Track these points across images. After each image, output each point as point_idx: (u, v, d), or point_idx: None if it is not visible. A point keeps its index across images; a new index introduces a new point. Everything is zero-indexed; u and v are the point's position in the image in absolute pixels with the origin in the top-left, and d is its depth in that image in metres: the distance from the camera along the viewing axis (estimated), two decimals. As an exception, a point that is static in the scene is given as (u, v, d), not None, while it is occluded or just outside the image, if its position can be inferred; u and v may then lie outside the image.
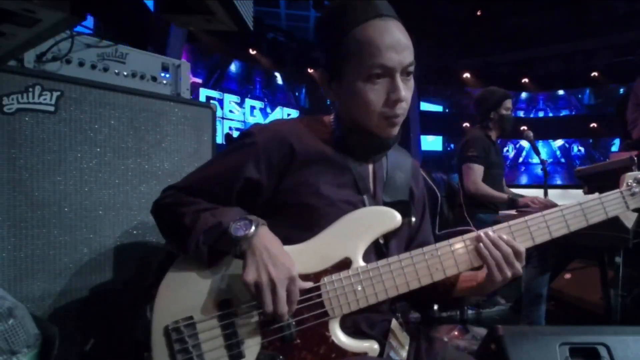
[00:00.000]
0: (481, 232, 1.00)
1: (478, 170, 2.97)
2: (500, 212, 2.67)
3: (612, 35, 8.79)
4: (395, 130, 1.06)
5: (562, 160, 14.34)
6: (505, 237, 0.99)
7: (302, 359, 0.96)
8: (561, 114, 14.24)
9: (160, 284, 1.00)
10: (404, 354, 1.06)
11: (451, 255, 1.00)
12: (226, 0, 1.02)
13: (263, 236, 0.94)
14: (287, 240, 0.99)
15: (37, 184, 1.37)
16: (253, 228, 0.93)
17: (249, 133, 1.08)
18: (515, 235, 1.02)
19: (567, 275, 3.11)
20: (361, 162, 1.10)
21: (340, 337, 0.98)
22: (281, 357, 0.96)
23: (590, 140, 13.44)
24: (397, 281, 0.99)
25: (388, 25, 0.99)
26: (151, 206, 1.10)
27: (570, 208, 1.02)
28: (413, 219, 1.13)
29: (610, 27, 8.44)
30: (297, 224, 1.02)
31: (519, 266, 0.98)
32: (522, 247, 0.99)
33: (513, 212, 2.45)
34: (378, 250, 1.07)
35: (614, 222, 1.87)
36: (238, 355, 0.96)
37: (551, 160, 14.06)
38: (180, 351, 0.95)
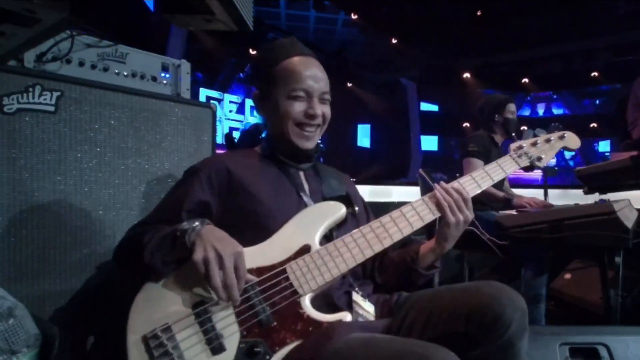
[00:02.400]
0: (435, 184, 1.21)
1: (477, 164, 2.97)
2: (500, 212, 2.67)
3: (612, 35, 8.78)
4: (310, 143, 1.27)
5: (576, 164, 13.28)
6: (455, 185, 1.20)
7: (282, 338, 1.01)
8: (561, 114, 14.22)
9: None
10: (372, 318, 1.16)
11: (393, 224, 1.15)
12: (226, 0, 1.02)
13: (210, 227, 1.04)
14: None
15: (37, 184, 1.37)
16: (198, 223, 1.03)
17: (192, 167, 1.26)
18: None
19: (567, 275, 3.11)
20: (293, 172, 1.29)
21: (313, 311, 1.05)
22: (262, 341, 1.00)
23: (611, 139, 12.75)
24: (352, 252, 1.11)
25: (308, 61, 1.27)
26: (112, 253, 1.19)
27: (477, 172, 1.27)
28: (357, 208, 1.29)
29: (610, 27, 8.43)
30: (251, 234, 1.12)
31: (467, 212, 1.18)
32: (469, 194, 1.20)
33: (513, 212, 2.45)
34: (330, 240, 1.17)
35: (614, 222, 1.88)
36: (219, 347, 0.99)
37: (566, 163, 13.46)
38: (161, 355, 0.98)
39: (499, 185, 3.06)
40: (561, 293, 3.00)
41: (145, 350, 0.98)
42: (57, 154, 1.42)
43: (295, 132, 1.25)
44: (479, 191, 1.24)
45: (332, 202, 1.20)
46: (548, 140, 1.40)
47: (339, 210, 1.18)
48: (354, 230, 1.14)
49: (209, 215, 1.16)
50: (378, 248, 1.13)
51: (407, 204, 1.19)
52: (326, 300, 1.13)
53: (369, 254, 1.12)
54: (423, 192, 3.10)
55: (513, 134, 3.13)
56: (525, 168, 1.37)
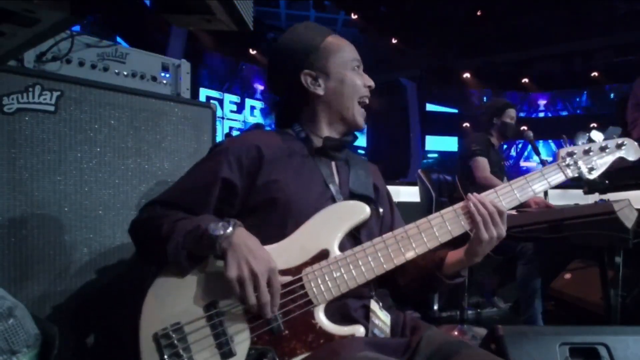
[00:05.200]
0: (469, 195, 1.09)
1: (484, 162, 3.07)
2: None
3: (612, 35, 8.77)
4: (364, 119, 1.27)
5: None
6: (491, 197, 1.09)
7: (292, 348, 0.99)
8: (561, 114, 14.21)
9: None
10: (387, 330, 1.11)
11: (420, 236, 1.08)
12: (226, 0, 1.02)
13: (241, 234, 0.99)
14: (265, 237, 1.04)
15: (37, 184, 1.37)
16: (231, 228, 0.98)
17: (220, 143, 1.20)
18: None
19: (567, 275, 3.11)
20: (325, 161, 1.23)
21: (326, 323, 1.02)
22: (272, 349, 0.98)
23: None
24: (373, 264, 1.05)
25: (343, 38, 1.29)
26: (129, 225, 1.14)
27: (517, 182, 1.14)
28: (381, 210, 1.26)
29: (610, 27, 8.42)
30: (273, 221, 1.09)
31: (502, 227, 1.07)
32: (505, 207, 1.09)
33: (513, 212, 2.46)
34: (353, 242, 1.13)
35: (614, 222, 1.88)
36: (229, 352, 0.98)
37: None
38: (171, 356, 0.97)
39: (500, 179, 3.10)
40: (561, 293, 3.01)
41: (156, 349, 0.97)
42: (57, 154, 1.42)
43: (359, 112, 1.25)
44: (517, 203, 1.12)
45: (356, 203, 1.13)
46: (603, 149, 1.20)
47: (363, 212, 1.11)
48: (377, 238, 1.08)
49: (233, 198, 1.11)
50: (400, 260, 1.07)
51: (436, 213, 1.11)
52: (341, 310, 1.08)
53: (389, 266, 1.06)
54: (422, 193, 3.11)
55: (509, 136, 3.25)
56: (573, 179, 1.19)
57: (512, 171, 14.04)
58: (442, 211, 1.11)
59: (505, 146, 14.27)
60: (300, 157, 1.19)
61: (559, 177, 1.16)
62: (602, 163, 1.20)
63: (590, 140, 1.20)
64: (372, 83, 1.25)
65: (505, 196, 1.11)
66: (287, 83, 1.25)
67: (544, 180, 1.15)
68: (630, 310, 2.45)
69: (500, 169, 3.25)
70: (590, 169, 1.18)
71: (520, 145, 13.94)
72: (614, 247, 1.96)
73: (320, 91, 1.23)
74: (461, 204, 1.10)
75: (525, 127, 3.20)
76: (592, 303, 2.69)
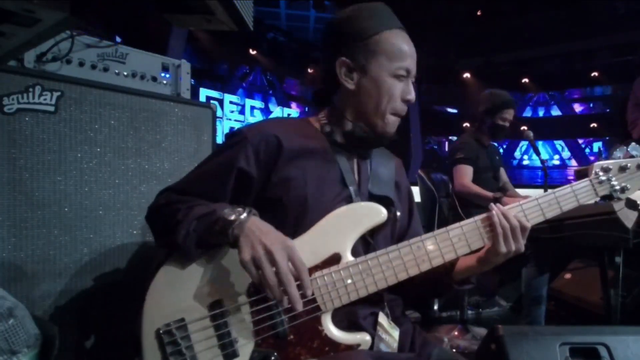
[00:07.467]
0: (493, 207, 1.05)
1: (466, 170, 2.95)
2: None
3: (612, 35, 8.78)
4: (394, 129, 1.17)
5: (573, 162, 13.30)
6: (515, 211, 1.05)
7: (296, 354, 0.97)
8: (561, 114, 14.21)
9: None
10: (395, 345, 1.08)
11: (437, 247, 1.04)
12: (226, 0, 1.02)
13: (255, 220, 0.96)
14: None
15: (37, 184, 1.37)
16: (245, 214, 0.95)
17: (238, 132, 1.14)
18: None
19: (567, 275, 3.11)
20: (346, 156, 1.16)
21: (332, 330, 1.00)
22: (275, 353, 0.97)
23: (607, 138, 12.08)
24: (385, 273, 1.02)
25: (408, 38, 1.15)
26: (146, 212, 1.12)
27: (545, 197, 1.07)
28: (398, 213, 1.18)
29: (610, 27, 8.43)
30: (288, 218, 1.06)
31: (522, 242, 1.04)
32: (528, 223, 1.05)
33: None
34: (365, 245, 1.10)
35: (614, 222, 1.88)
36: (232, 354, 0.97)
37: (559, 162, 13.59)
38: (173, 353, 0.95)
39: (488, 189, 3.03)
40: (561, 293, 3.00)
41: (159, 346, 0.96)
42: (57, 154, 1.42)
43: (388, 121, 1.13)
44: (542, 219, 1.07)
45: (372, 205, 1.07)
46: None
47: (379, 215, 1.06)
48: (392, 247, 1.04)
49: (248, 189, 1.08)
50: (414, 272, 1.03)
51: (456, 224, 1.06)
52: (349, 317, 1.05)
53: (402, 277, 1.02)
54: (422, 193, 3.10)
55: (498, 139, 3.11)
56: (603, 197, 1.11)
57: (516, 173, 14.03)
58: (462, 222, 1.07)
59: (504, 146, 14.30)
60: (319, 152, 1.13)
61: (590, 196, 1.07)
62: (636, 182, 1.10)
63: (629, 155, 1.11)
64: (411, 97, 1.12)
65: (530, 211, 1.06)
66: (325, 61, 1.17)
67: (573, 198, 1.07)
68: (630, 310, 2.45)
69: (492, 171, 3.10)
70: (623, 189, 1.09)
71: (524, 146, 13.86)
72: (614, 247, 1.96)
73: (350, 85, 1.13)
74: (482, 215, 1.06)
75: (525, 127, 3.15)
76: (592, 303, 2.69)
